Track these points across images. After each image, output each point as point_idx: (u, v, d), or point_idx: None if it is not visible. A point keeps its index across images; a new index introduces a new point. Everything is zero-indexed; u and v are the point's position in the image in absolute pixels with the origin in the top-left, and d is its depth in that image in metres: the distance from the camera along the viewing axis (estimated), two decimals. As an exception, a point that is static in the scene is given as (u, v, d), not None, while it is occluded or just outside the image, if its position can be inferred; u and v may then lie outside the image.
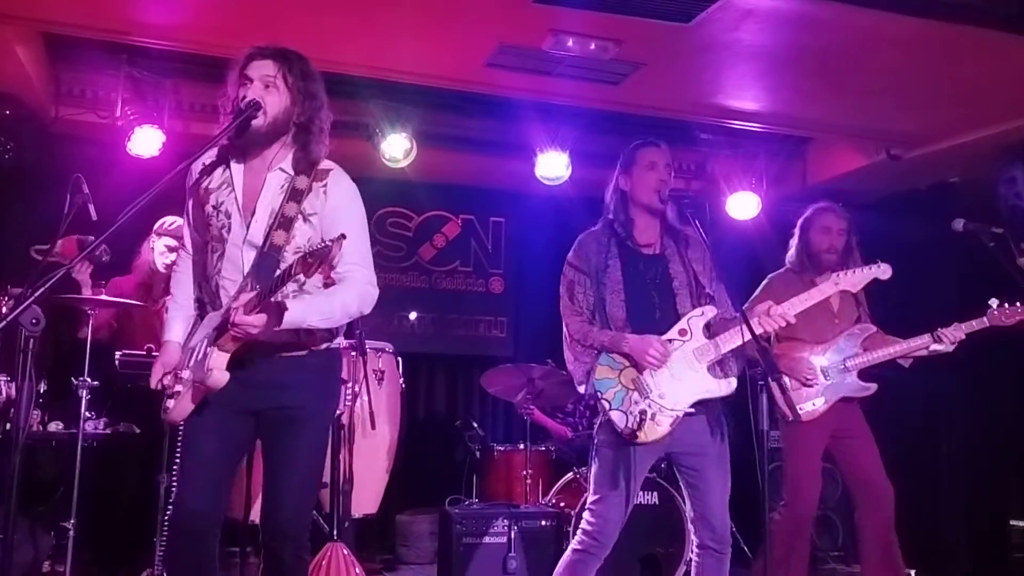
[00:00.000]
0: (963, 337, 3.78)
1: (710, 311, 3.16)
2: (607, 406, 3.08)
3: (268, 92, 2.60)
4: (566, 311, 3.26)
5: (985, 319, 3.77)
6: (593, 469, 3.20)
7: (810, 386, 3.86)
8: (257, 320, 2.41)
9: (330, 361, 2.75)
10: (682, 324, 3.15)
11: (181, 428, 2.70)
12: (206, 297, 2.70)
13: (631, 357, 3.09)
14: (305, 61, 2.70)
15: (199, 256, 2.75)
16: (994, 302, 3.76)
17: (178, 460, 2.70)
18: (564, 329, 3.27)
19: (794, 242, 4.19)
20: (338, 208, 2.64)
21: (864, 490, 3.93)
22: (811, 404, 3.86)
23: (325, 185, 2.65)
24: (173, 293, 2.82)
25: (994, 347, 4.10)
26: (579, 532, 3.20)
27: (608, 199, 3.39)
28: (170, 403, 2.64)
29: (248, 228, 2.59)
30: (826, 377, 3.90)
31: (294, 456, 2.63)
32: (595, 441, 3.22)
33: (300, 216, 2.59)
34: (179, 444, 2.71)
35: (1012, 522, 5.59)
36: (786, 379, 3.62)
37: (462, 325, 6.86)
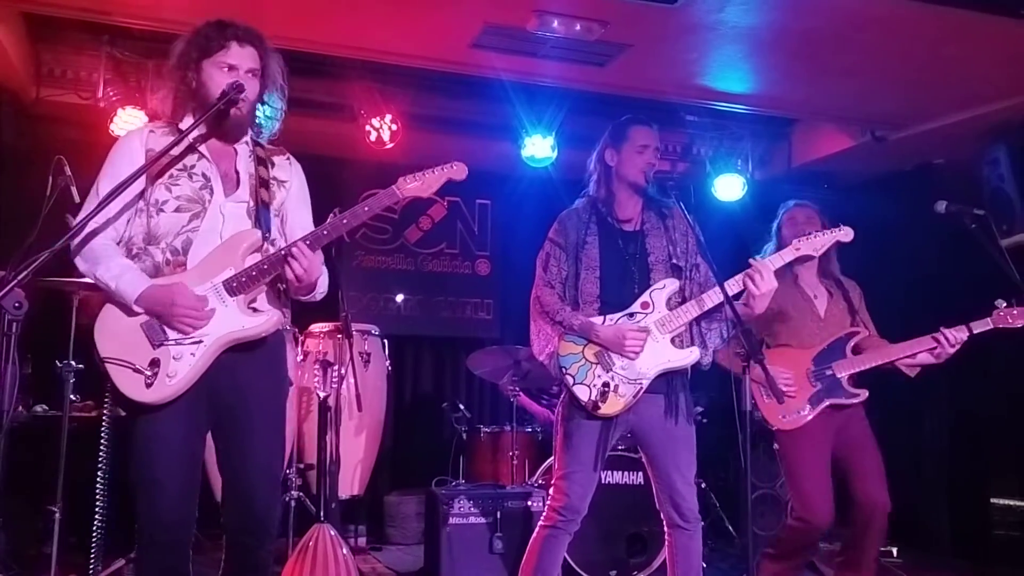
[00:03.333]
0: (965, 338, 3.52)
1: (672, 283, 3.16)
2: (571, 380, 3.10)
3: (251, 82, 2.59)
4: (539, 282, 3.28)
5: (989, 320, 3.51)
6: (557, 445, 3.22)
7: (790, 396, 3.66)
8: (320, 259, 2.54)
9: (281, 338, 2.73)
10: (644, 297, 3.15)
11: (106, 420, 2.51)
12: (162, 257, 2.49)
13: (602, 345, 3.10)
14: (267, 40, 2.68)
15: (143, 217, 2.51)
16: (1001, 303, 3.49)
17: (138, 462, 2.45)
18: (533, 301, 3.27)
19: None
20: (303, 182, 2.78)
21: (859, 505, 3.69)
22: (796, 412, 3.67)
23: (288, 159, 2.76)
24: (108, 264, 2.46)
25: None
26: (547, 509, 3.23)
27: (591, 169, 3.40)
28: (175, 373, 2.39)
29: (237, 188, 2.59)
30: (811, 383, 3.72)
31: (262, 441, 2.54)
32: (558, 417, 3.22)
33: (274, 180, 2.66)
34: (135, 440, 2.45)
35: (993, 500, 5.66)
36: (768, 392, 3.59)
37: (448, 307, 6.86)
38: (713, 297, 3.06)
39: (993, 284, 3.87)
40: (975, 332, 3.52)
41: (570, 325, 3.13)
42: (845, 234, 3.09)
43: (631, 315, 3.13)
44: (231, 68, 2.55)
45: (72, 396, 4.08)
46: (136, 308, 2.42)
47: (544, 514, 3.24)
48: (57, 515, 3.84)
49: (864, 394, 3.73)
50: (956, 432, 5.76)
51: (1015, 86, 4.83)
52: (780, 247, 3.62)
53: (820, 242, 3.09)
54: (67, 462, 3.89)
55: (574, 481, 3.14)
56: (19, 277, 2.15)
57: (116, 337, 2.44)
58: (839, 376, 3.71)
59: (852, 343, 3.78)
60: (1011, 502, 5.58)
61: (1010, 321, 3.49)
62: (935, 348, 3.55)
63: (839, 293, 3.91)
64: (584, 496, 3.16)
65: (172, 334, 2.43)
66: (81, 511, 4.33)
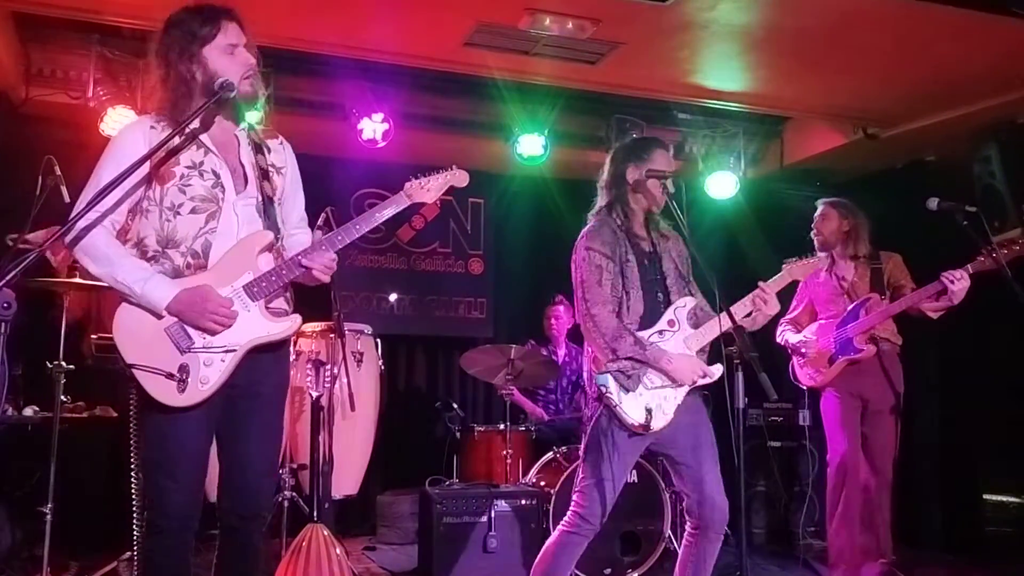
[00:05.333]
0: (968, 275, 3.92)
1: (690, 301, 3.23)
2: (614, 401, 3.06)
3: (250, 53, 2.61)
4: (594, 299, 3.14)
5: (969, 267, 3.92)
6: (589, 451, 3.18)
7: (811, 356, 4.46)
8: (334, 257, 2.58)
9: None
10: (669, 315, 3.19)
11: (133, 415, 2.53)
12: (182, 260, 2.48)
13: (668, 374, 3.09)
14: None
15: (155, 219, 2.49)
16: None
17: (155, 454, 2.48)
18: (585, 317, 3.15)
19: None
20: (295, 164, 2.80)
21: (865, 460, 4.32)
22: (818, 371, 4.43)
23: (280, 142, 2.77)
24: (126, 266, 2.44)
25: (966, 323, 4.15)
26: (570, 514, 3.21)
27: (606, 182, 3.36)
28: (208, 380, 2.43)
29: (246, 184, 2.59)
30: (833, 347, 4.36)
31: (265, 431, 2.61)
32: (595, 424, 3.15)
33: (272, 168, 2.67)
34: (151, 434, 2.49)
35: (986, 496, 5.67)
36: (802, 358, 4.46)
37: (441, 306, 6.85)
38: (732, 317, 3.07)
39: (986, 280, 3.88)
40: (972, 272, 3.93)
41: (634, 354, 3.07)
42: (822, 261, 3.92)
43: (660, 332, 3.16)
44: (234, 47, 2.55)
45: (63, 397, 4.06)
46: (164, 314, 2.43)
47: (567, 519, 3.22)
48: (48, 516, 3.81)
49: (871, 349, 4.29)
50: (948, 428, 5.77)
51: (1006, 84, 4.84)
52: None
53: (806, 267, 3.41)
54: (58, 463, 3.86)
55: (607, 490, 3.12)
56: (7, 277, 2.13)
57: (140, 342, 2.45)
58: (851, 336, 4.31)
59: (867, 308, 4.31)
60: (1004, 498, 5.59)
61: (986, 265, 3.88)
62: (943, 289, 3.98)
63: (867, 267, 4.44)
64: (610, 504, 3.16)
65: (199, 340, 2.45)
66: (73, 512, 4.31)
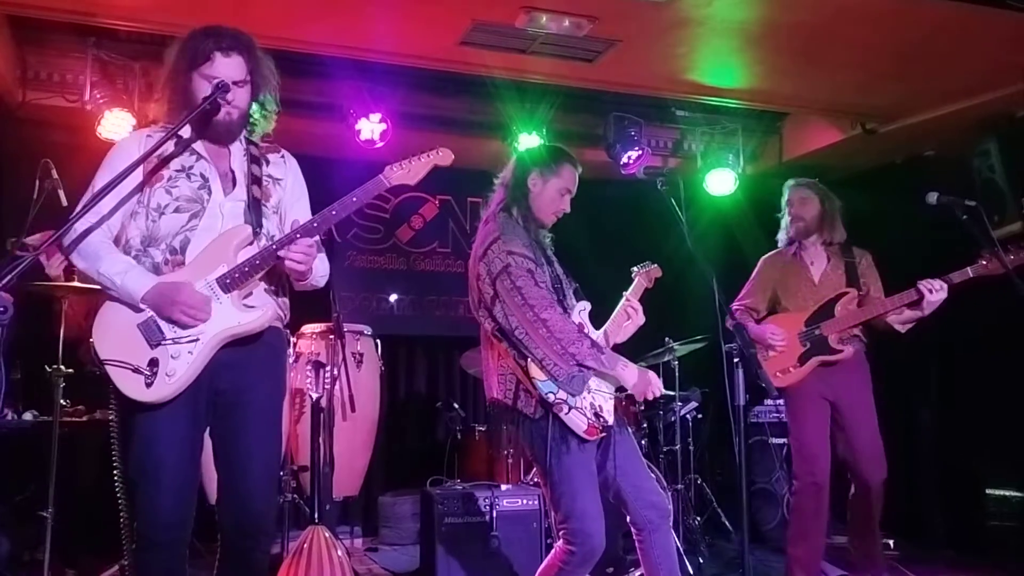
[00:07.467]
0: (946, 287, 3.76)
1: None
2: (566, 408, 2.86)
3: (239, 91, 2.59)
4: (540, 302, 2.88)
5: (969, 270, 3.75)
6: (558, 486, 2.90)
7: (778, 351, 4.04)
8: (313, 245, 2.52)
9: (281, 338, 2.74)
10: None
11: (114, 419, 2.52)
12: (161, 257, 2.49)
13: (625, 381, 2.94)
14: (256, 43, 2.66)
15: (141, 220, 2.50)
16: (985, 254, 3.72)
17: (139, 461, 2.44)
18: (535, 323, 2.88)
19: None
20: (298, 177, 2.80)
21: (853, 466, 3.99)
22: (787, 370, 4.04)
23: (282, 155, 2.78)
24: (110, 261, 2.46)
25: (966, 316, 4.14)
26: (565, 551, 2.90)
27: (507, 182, 3.25)
28: (174, 372, 2.39)
29: (234, 187, 2.60)
30: (802, 344, 4.04)
31: (261, 441, 2.55)
32: (549, 454, 2.89)
33: (269, 178, 2.68)
34: (134, 440, 2.44)
35: (987, 491, 5.66)
36: (767, 352, 4.02)
37: (441, 306, 6.83)
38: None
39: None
40: (955, 282, 3.76)
41: (591, 358, 2.87)
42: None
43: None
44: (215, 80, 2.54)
45: (62, 401, 4.05)
46: (141, 305, 2.43)
47: (563, 556, 2.91)
48: (49, 521, 3.81)
49: (848, 351, 3.99)
50: (949, 423, 5.76)
51: (1004, 77, 4.84)
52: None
53: (651, 272, 3.35)
54: (58, 467, 3.85)
55: (595, 519, 2.88)
56: (3, 280, 2.13)
57: (114, 338, 2.46)
58: (826, 335, 4.01)
59: (840, 304, 4.03)
60: (1006, 493, 5.58)
61: (989, 269, 3.70)
62: (919, 299, 3.78)
63: (840, 260, 4.16)
64: (603, 530, 2.90)
65: (169, 333, 2.44)
66: (74, 516, 4.31)
